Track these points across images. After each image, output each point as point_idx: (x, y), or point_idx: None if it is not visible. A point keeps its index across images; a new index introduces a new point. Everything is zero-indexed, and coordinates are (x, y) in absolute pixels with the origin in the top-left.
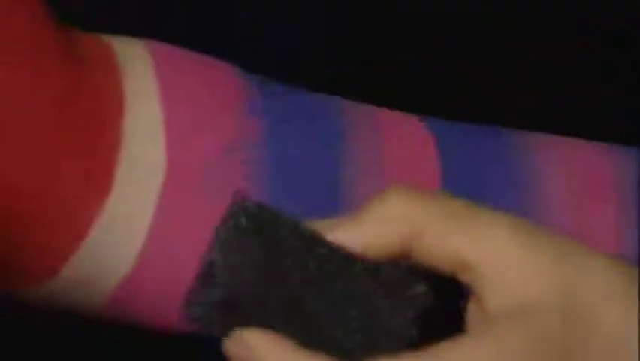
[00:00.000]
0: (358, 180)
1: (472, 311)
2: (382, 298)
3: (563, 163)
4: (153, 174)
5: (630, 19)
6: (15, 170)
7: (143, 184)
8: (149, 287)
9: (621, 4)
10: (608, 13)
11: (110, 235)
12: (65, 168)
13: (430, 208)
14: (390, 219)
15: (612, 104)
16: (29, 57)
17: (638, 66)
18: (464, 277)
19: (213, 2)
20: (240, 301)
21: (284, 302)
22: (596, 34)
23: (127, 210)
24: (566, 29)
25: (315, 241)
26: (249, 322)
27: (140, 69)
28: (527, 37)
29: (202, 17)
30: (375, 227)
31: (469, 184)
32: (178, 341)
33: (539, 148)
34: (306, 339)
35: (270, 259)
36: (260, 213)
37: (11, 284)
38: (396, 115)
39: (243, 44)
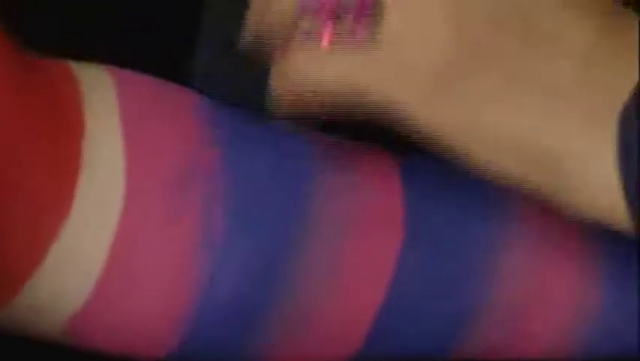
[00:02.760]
0: (321, 215)
1: None
2: None
3: (530, 220)
4: (112, 199)
5: None
6: None
7: (102, 208)
8: (109, 314)
9: None
10: None
11: (68, 260)
12: (24, 188)
13: None
14: None
15: None
16: None
17: None
18: None
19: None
20: None
21: None
22: None
23: (85, 234)
24: None
25: None
26: None
27: (101, 94)
28: None
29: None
30: None
31: (431, 232)
32: None
33: (506, 204)
34: None
35: None
36: None
37: None
38: (364, 147)
39: None
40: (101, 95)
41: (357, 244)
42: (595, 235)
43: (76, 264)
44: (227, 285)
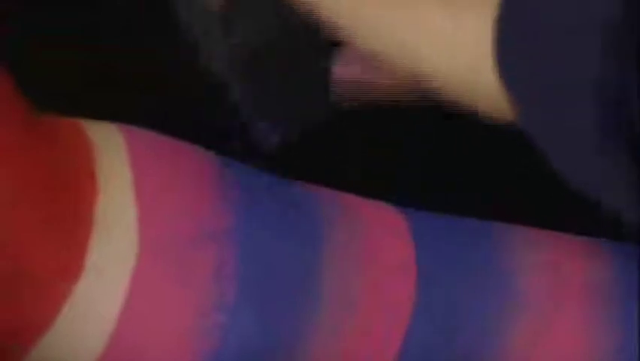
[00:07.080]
0: (331, 282)
1: None
2: None
3: (543, 262)
4: (124, 261)
5: None
6: None
7: (114, 270)
8: None
9: None
10: None
11: (79, 321)
12: (35, 252)
13: None
14: None
15: None
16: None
17: None
18: None
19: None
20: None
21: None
22: None
23: (96, 296)
24: None
25: None
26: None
27: (113, 154)
28: None
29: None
30: None
31: (443, 279)
32: None
33: (519, 245)
34: None
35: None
36: None
37: None
38: (375, 206)
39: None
40: (113, 154)
41: (371, 286)
42: (603, 285)
43: (89, 323)
44: (239, 343)
